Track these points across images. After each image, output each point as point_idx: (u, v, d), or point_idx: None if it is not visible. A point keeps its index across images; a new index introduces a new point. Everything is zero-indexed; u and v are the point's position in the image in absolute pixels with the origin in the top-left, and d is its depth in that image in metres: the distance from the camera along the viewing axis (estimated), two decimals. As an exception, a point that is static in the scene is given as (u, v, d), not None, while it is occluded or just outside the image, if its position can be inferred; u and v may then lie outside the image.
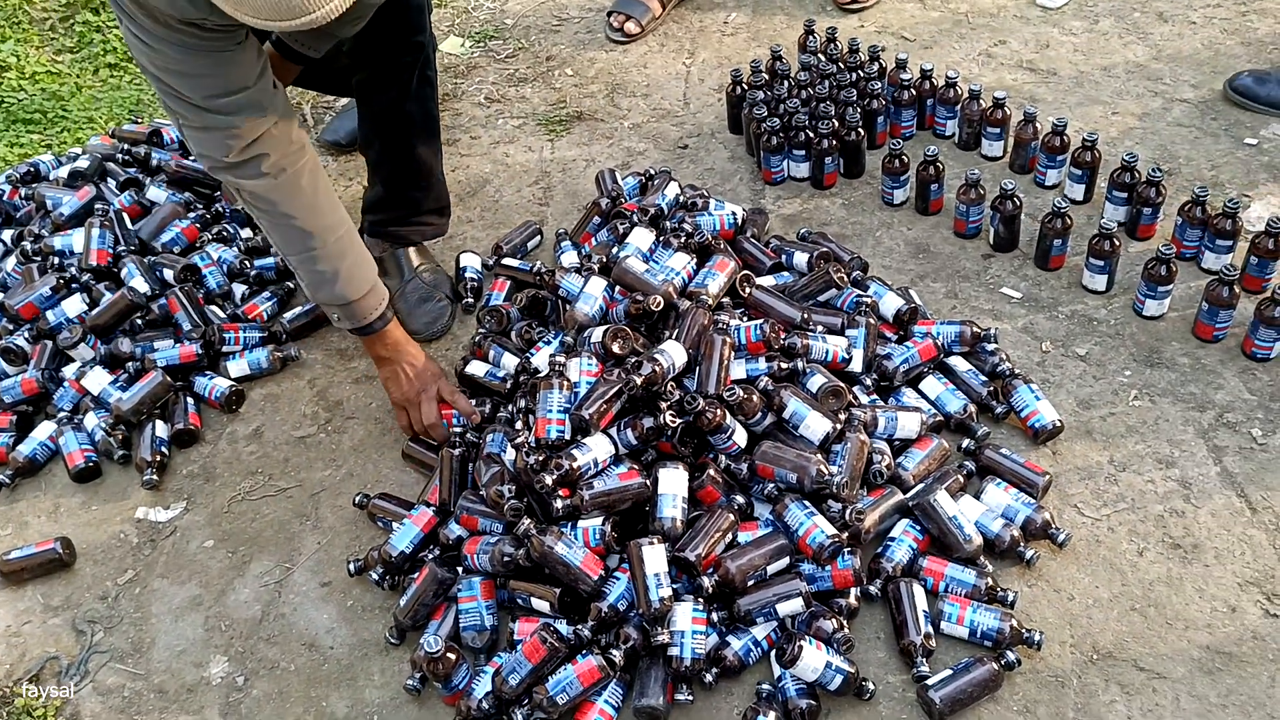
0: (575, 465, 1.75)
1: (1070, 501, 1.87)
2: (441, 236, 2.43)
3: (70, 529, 2.09)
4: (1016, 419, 1.97)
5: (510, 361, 2.12)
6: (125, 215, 2.52)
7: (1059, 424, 1.94)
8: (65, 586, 2.00)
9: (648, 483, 1.76)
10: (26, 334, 2.33)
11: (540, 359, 2.02)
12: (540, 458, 1.76)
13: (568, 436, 1.80)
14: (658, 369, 1.80)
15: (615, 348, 1.88)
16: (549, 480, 1.73)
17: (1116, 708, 1.61)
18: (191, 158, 2.75)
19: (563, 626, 1.68)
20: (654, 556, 1.66)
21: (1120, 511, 1.85)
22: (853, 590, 1.73)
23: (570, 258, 2.33)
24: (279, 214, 1.86)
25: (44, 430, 2.22)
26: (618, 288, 2.05)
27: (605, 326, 1.94)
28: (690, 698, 1.66)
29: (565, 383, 1.84)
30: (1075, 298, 2.21)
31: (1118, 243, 2.14)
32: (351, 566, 1.91)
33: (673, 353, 1.85)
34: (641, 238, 2.18)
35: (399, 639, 1.81)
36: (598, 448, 1.77)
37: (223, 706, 1.80)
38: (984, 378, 2.03)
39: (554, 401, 1.82)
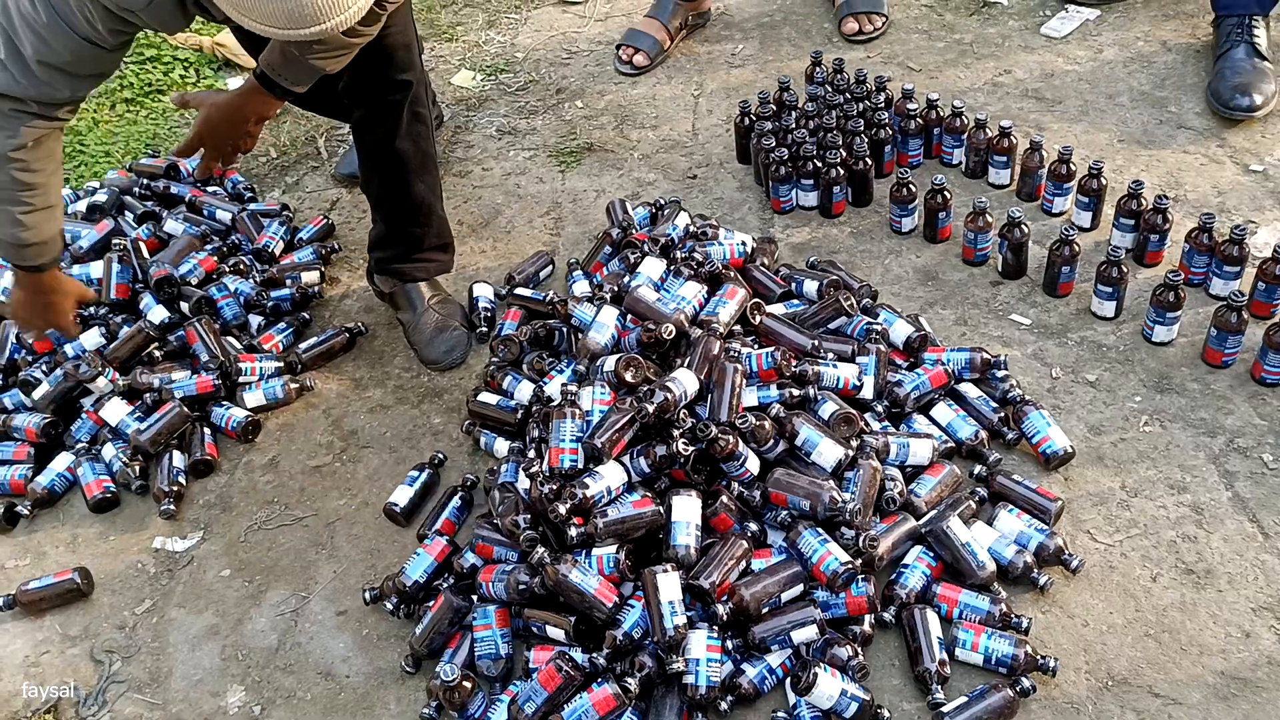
0: (588, 494, 1.76)
1: (1083, 527, 1.88)
2: (446, 273, 2.44)
3: (88, 559, 2.11)
4: (1028, 445, 1.98)
5: (525, 389, 2.13)
6: (143, 248, 2.56)
7: (1070, 450, 1.95)
8: (83, 616, 2.02)
9: (661, 510, 1.77)
10: (43, 366, 2.36)
11: (553, 388, 2.04)
12: (554, 487, 1.78)
13: (580, 465, 1.81)
14: (670, 397, 1.82)
15: (628, 376, 1.90)
16: (563, 510, 1.74)
17: (1132, 734, 1.61)
18: (211, 190, 2.80)
19: (578, 655, 1.69)
20: (668, 584, 1.67)
21: (1133, 537, 1.85)
22: (867, 617, 1.74)
23: (582, 287, 2.35)
24: (6, 154, 1.89)
25: (62, 462, 2.24)
26: (629, 316, 2.07)
27: (618, 355, 1.95)
28: (706, 726, 1.66)
29: (578, 412, 1.86)
30: (1084, 324, 2.22)
31: (1126, 269, 2.16)
32: (367, 595, 1.92)
33: (685, 380, 1.86)
34: (652, 267, 2.21)
35: (415, 668, 1.82)
36: (610, 476, 1.79)
37: (240, 736, 1.81)
38: (995, 404, 2.04)
39: (567, 431, 1.83)
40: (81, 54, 1.78)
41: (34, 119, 1.85)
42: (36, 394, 2.32)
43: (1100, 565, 1.82)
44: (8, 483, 2.22)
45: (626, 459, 1.83)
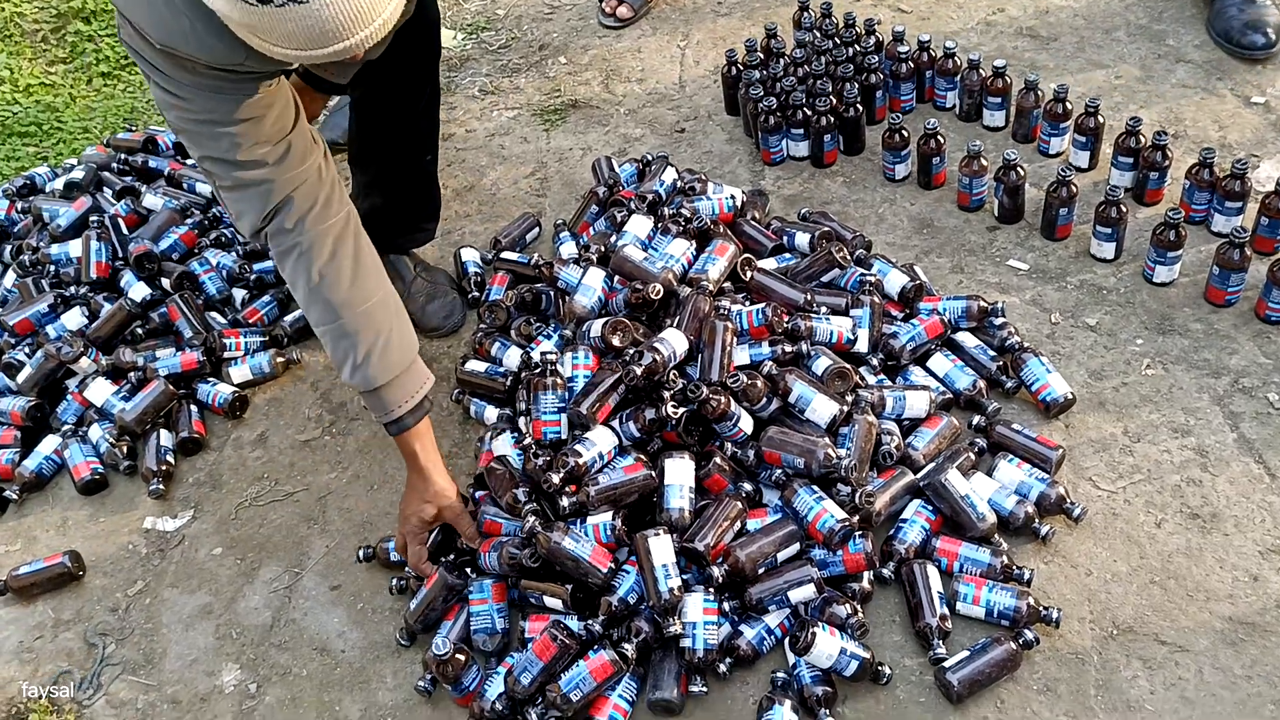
0: (581, 462, 1.73)
1: (1085, 475, 1.84)
2: (430, 242, 2.39)
3: (79, 542, 2.09)
4: (1027, 393, 1.94)
5: (514, 356, 2.09)
6: (122, 224, 2.51)
7: (1071, 397, 1.91)
8: (76, 600, 2.00)
9: (654, 474, 1.74)
10: (26, 349, 2.32)
11: (539, 354, 2.00)
12: (547, 458, 1.75)
13: (564, 436, 1.77)
14: (658, 358, 1.78)
15: (615, 340, 1.85)
16: (556, 479, 1.71)
17: (1139, 683, 1.58)
18: (190, 160, 2.74)
19: (573, 623, 1.66)
20: (661, 547, 1.64)
21: (1136, 483, 1.82)
22: (865, 574, 1.71)
23: (569, 248, 2.30)
24: (310, 278, 1.67)
25: (49, 444, 2.21)
26: (616, 277, 2.02)
27: (604, 319, 1.91)
28: (704, 689, 1.64)
29: (559, 381, 1.82)
30: (1083, 267, 2.17)
31: (1125, 209, 2.10)
32: (361, 554, 1.90)
33: (674, 341, 1.82)
34: (639, 225, 2.16)
35: (409, 641, 1.80)
36: (601, 441, 1.75)
37: (236, 715, 1.79)
38: (993, 353, 2.00)
39: (548, 402, 1.80)
40: (256, 109, 1.57)
41: (308, 217, 1.63)
42: (20, 377, 2.29)
43: (1103, 513, 1.78)
44: (-6, 467, 2.19)
45: (616, 423, 1.79)
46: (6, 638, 1.96)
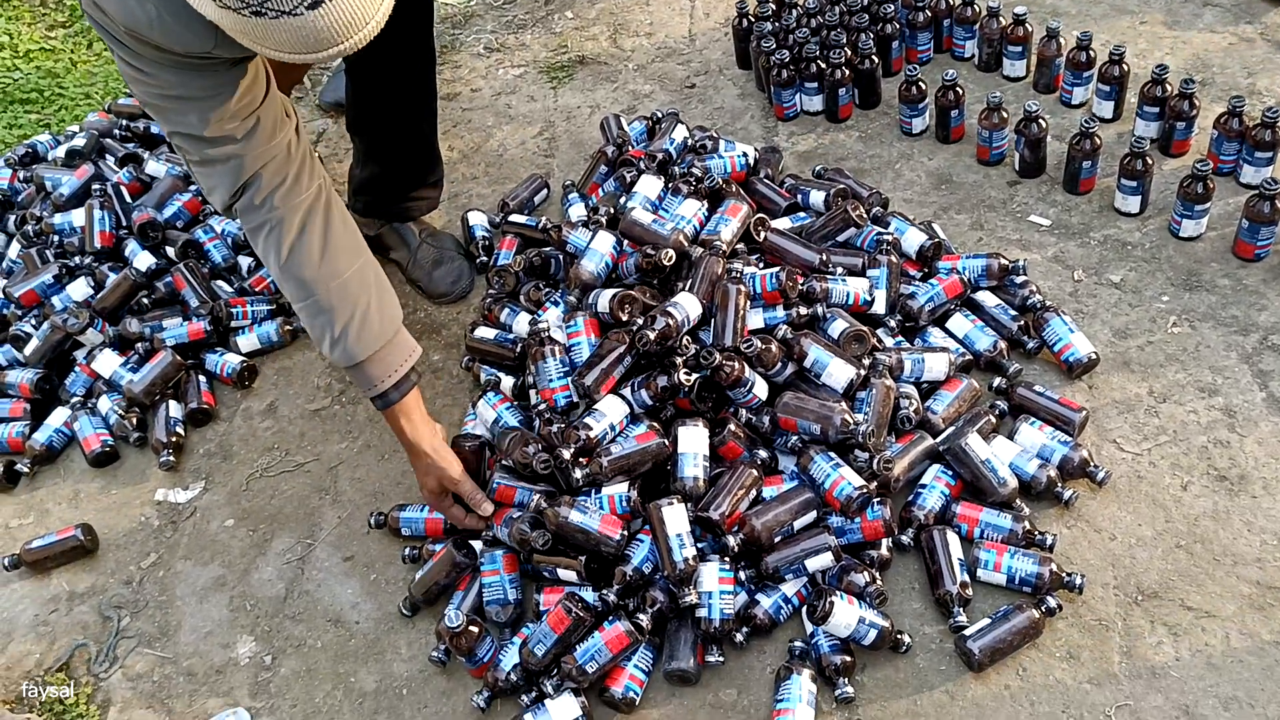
0: (592, 435, 1.70)
1: (1109, 437, 1.80)
2: (434, 209, 2.34)
3: (91, 514, 2.08)
4: (1050, 354, 1.89)
5: (524, 321, 2.06)
6: (125, 191, 2.47)
7: (1094, 356, 1.86)
8: (90, 573, 1.99)
9: (666, 442, 1.71)
10: (32, 320, 2.30)
11: (549, 319, 1.97)
12: (560, 426, 1.72)
13: (576, 398, 1.75)
14: (671, 323, 1.74)
15: (623, 315, 1.82)
16: (567, 455, 1.68)
17: (1164, 649, 1.55)
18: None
19: (588, 594, 1.64)
20: (674, 516, 1.61)
21: (1162, 445, 1.77)
22: (884, 541, 1.68)
23: (578, 210, 2.25)
24: (284, 253, 1.63)
25: (59, 417, 2.20)
26: (626, 241, 1.98)
27: (613, 292, 1.86)
28: (721, 659, 1.62)
29: (557, 348, 1.79)
30: (1107, 222, 2.11)
31: (1151, 161, 2.04)
32: (372, 520, 1.89)
33: (686, 305, 1.78)
34: (649, 185, 2.10)
35: (411, 612, 1.79)
36: (612, 412, 1.72)
37: (252, 687, 1.79)
38: (1014, 312, 1.95)
39: (551, 369, 1.77)
40: (227, 82, 1.52)
41: (279, 192, 1.59)
42: (27, 349, 2.27)
43: (1128, 476, 1.74)
44: (5, 440, 2.18)
45: (628, 390, 1.76)
46: (22, 611, 1.96)
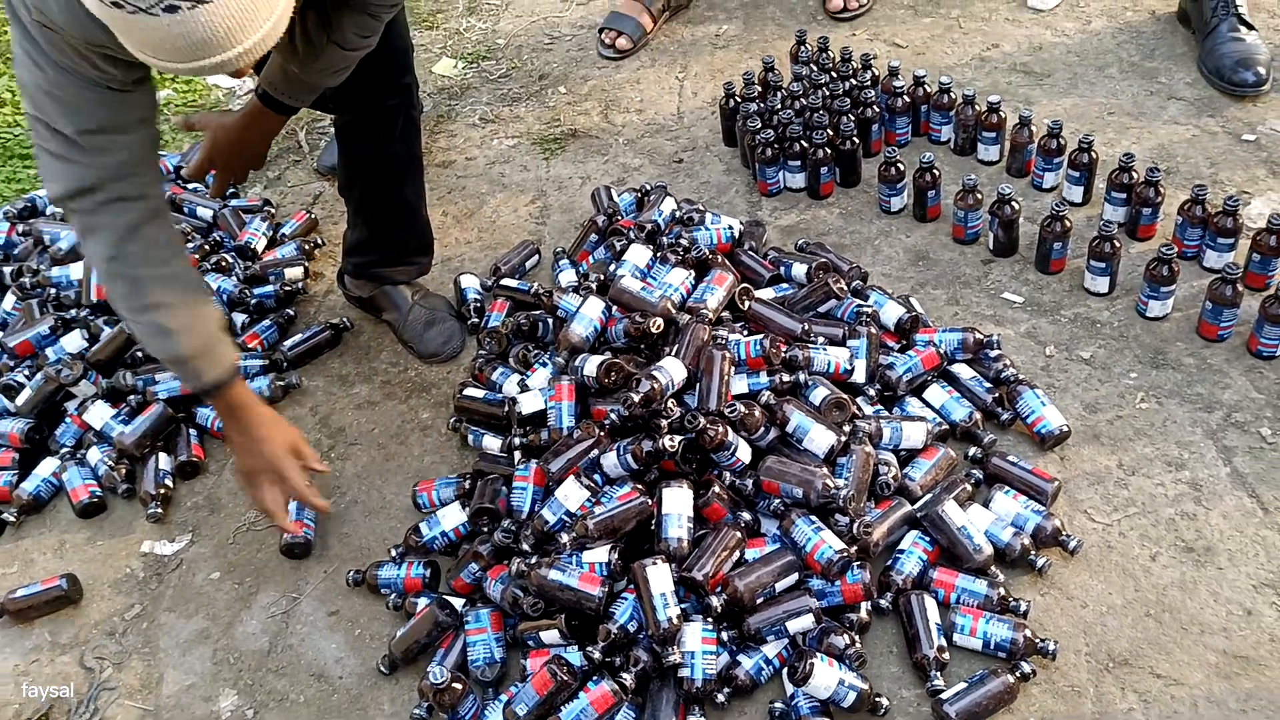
0: (657, 386, 1.79)
1: (1080, 507, 1.86)
2: (425, 274, 2.41)
3: (76, 565, 2.08)
4: (1023, 425, 1.96)
5: (514, 383, 2.11)
6: (123, 248, 2.51)
7: (1066, 429, 1.93)
8: (73, 624, 1.99)
9: (649, 501, 1.75)
10: (26, 371, 2.33)
11: (537, 380, 2.02)
12: (638, 399, 1.79)
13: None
14: (655, 387, 1.79)
15: (608, 381, 1.89)
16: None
17: (1135, 716, 1.59)
18: (192, 187, 2.76)
19: (573, 656, 1.66)
20: (659, 576, 1.64)
21: (1131, 516, 1.83)
22: (863, 604, 1.72)
23: (568, 276, 2.32)
24: (112, 259, 1.67)
25: (47, 467, 2.21)
26: (615, 307, 2.04)
27: (600, 359, 1.93)
28: (703, 719, 1.64)
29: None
30: (1078, 300, 2.20)
31: (1118, 244, 2.13)
32: (350, 578, 1.91)
33: (671, 369, 1.84)
34: (638, 254, 2.18)
35: (389, 670, 1.80)
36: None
37: (233, 741, 1.79)
38: (988, 384, 2.02)
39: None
40: (110, 103, 1.56)
41: (113, 205, 1.63)
42: (19, 399, 2.29)
43: (1099, 545, 1.80)
44: (-8, 490, 2.19)
45: (614, 454, 1.80)
46: (3, 661, 1.95)
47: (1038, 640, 1.65)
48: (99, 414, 2.24)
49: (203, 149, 2.00)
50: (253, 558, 2.05)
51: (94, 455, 2.20)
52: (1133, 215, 2.27)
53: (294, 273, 2.52)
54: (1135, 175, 2.24)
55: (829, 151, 2.47)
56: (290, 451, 1.86)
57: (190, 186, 2.77)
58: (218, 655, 1.90)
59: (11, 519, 2.15)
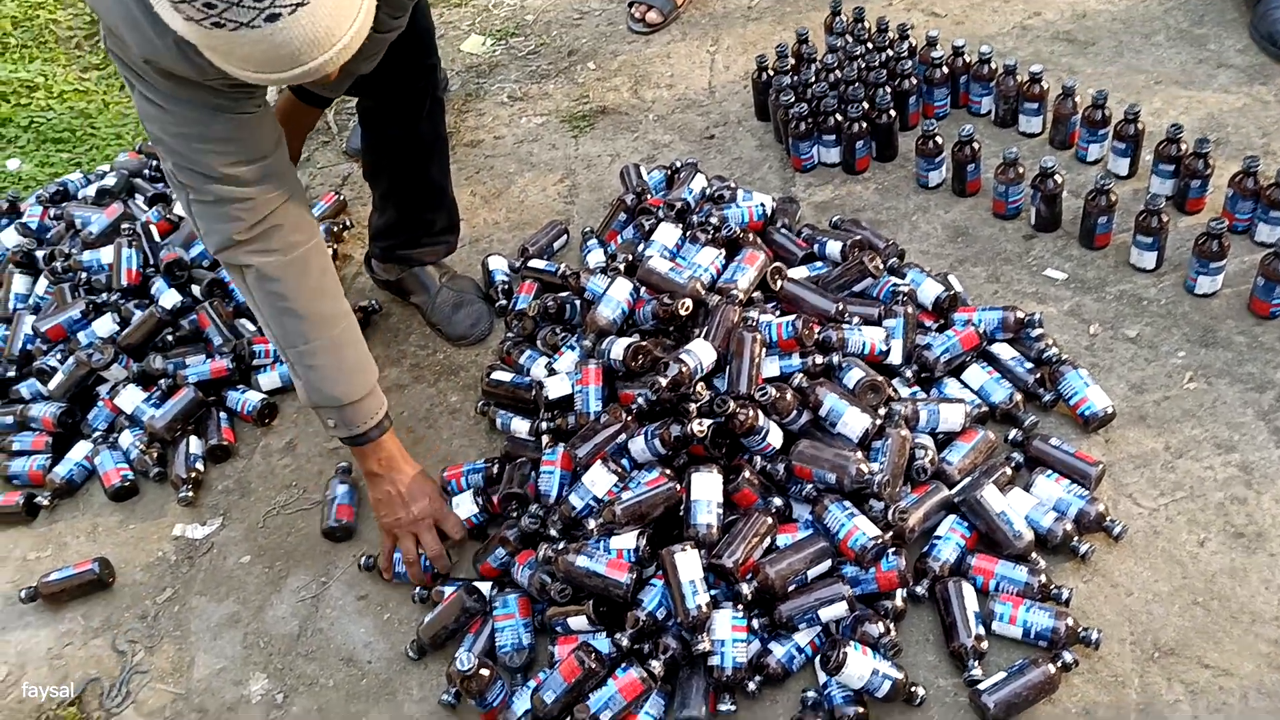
0: (685, 370, 1.75)
1: (1125, 492, 1.79)
2: (453, 253, 2.38)
3: (109, 548, 2.09)
4: (1065, 407, 1.90)
5: (542, 365, 2.08)
6: (154, 230, 2.52)
7: (1111, 410, 1.86)
8: (105, 607, 2.00)
9: (678, 486, 1.71)
10: (58, 355, 2.34)
11: (565, 363, 1.99)
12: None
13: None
14: (684, 370, 1.76)
15: (635, 365, 1.86)
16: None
17: (1181, 708, 1.54)
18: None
19: (601, 643, 1.64)
20: (687, 563, 1.61)
21: (1179, 500, 1.77)
22: (899, 592, 1.68)
23: (596, 257, 2.28)
24: (283, 297, 1.67)
25: (80, 450, 2.22)
26: (644, 288, 2.00)
27: (627, 341, 1.89)
28: (733, 707, 1.61)
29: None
30: (1123, 277, 2.12)
31: (1166, 218, 2.05)
32: (362, 561, 1.91)
33: (700, 352, 1.80)
34: (667, 234, 2.13)
35: (417, 655, 1.79)
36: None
37: (263, 725, 1.79)
38: (1030, 365, 1.95)
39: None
40: (246, 128, 1.56)
41: (284, 230, 1.62)
42: (52, 383, 2.30)
43: (1144, 531, 1.74)
44: (27, 473, 2.21)
45: (641, 439, 1.77)
46: (37, 644, 1.96)
47: (1080, 629, 1.60)
48: (130, 398, 2.24)
49: None
50: (283, 541, 2.04)
51: (126, 439, 2.21)
52: (1181, 188, 2.18)
53: (322, 255, 2.51)
54: (1184, 146, 2.16)
55: (865, 125, 2.41)
56: (432, 517, 1.86)
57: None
58: (248, 639, 1.91)
59: (45, 502, 2.17)
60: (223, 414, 2.24)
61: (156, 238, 2.51)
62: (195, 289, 2.40)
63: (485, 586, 1.81)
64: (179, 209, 2.60)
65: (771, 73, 2.58)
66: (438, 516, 1.86)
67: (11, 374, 2.38)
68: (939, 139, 2.33)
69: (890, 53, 2.51)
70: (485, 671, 1.63)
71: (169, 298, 2.36)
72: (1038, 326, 1.99)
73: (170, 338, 2.33)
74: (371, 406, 1.78)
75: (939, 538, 1.73)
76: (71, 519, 2.17)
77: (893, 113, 2.43)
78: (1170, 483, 1.79)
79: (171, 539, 2.09)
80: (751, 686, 1.62)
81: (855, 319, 1.96)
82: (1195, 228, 2.10)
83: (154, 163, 2.80)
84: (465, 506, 1.91)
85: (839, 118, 2.43)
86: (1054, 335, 2.02)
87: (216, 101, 1.51)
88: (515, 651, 1.71)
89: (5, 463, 2.24)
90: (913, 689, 1.58)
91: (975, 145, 2.29)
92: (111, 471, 2.16)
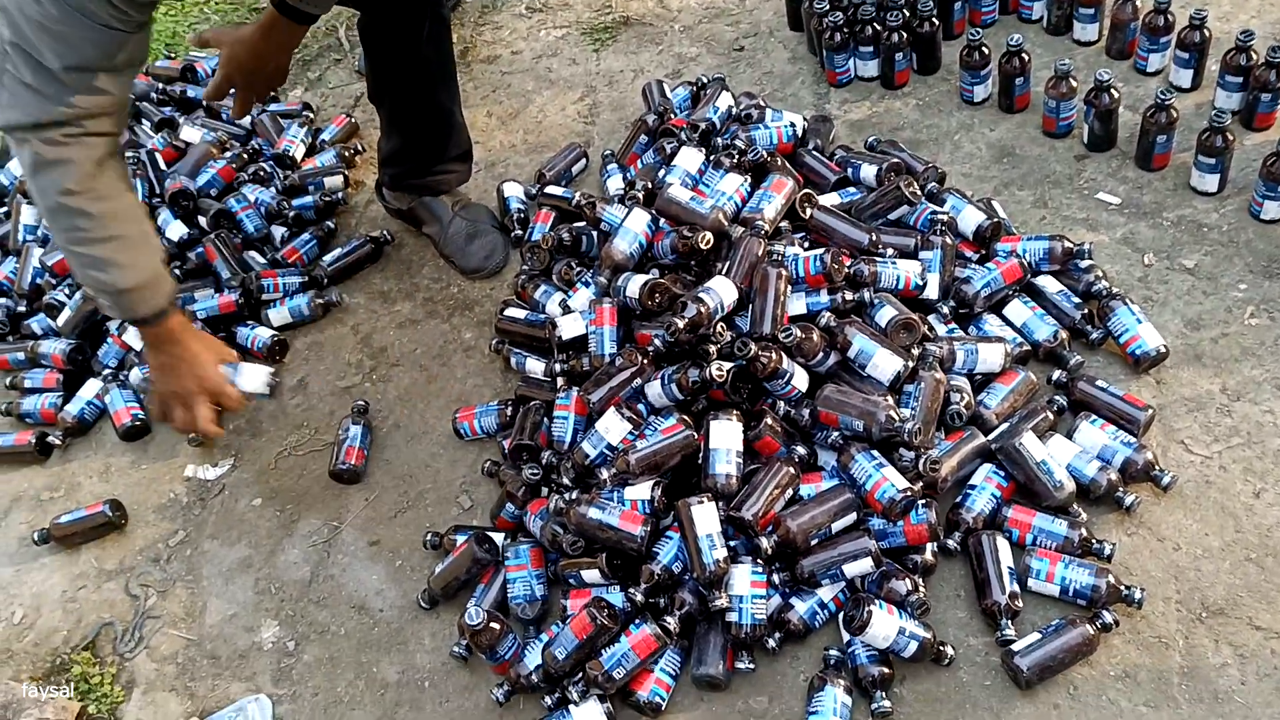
0: (704, 310, 1.66)
1: (1176, 438, 1.68)
2: (465, 182, 2.27)
3: (121, 489, 2.06)
4: (1115, 345, 1.77)
5: (556, 300, 1.99)
6: (160, 158, 2.43)
7: (1164, 349, 1.73)
8: (118, 549, 1.98)
9: (695, 434, 1.62)
10: (65, 289, 2.29)
11: (579, 300, 1.89)
12: (683, 324, 1.66)
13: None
14: (703, 310, 1.65)
15: (653, 303, 1.75)
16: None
17: (1229, 672, 1.45)
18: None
19: (614, 597, 1.58)
20: (704, 516, 1.53)
21: (1234, 447, 1.65)
22: (928, 546, 1.59)
23: (616, 183, 2.16)
24: (73, 189, 1.61)
25: (90, 389, 2.18)
26: (663, 219, 1.88)
27: (643, 279, 1.77)
28: (752, 665, 1.55)
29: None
30: (1182, 201, 1.97)
31: (1231, 136, 1.89)
32: (428, 540, 1.82)
33: (720, 290, 1.69)
34: (690, 158, 2.00)
35: (429, 605, 1.75)
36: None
37: (275, 673, 1.76)
38: (1077, 299, 1.83)
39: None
40: (108, 43, 1.52)
41: (83, 140, 1.58)
42: (60, 318, 2.25)
43: (1196, 481, 1.63)
44: (39, 411, 2.18)
45: (658, 383, 1.67)
46: (51, 587, 1.95)
47: (1122, 587, 1.50)
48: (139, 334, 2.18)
49: (220, 67, 1.87)
50: (294, 484, 2.00)
51: (135, 376, 2.16)
52: (1249, 102, 2.01)
53: (334, 182, 2.42)
54: (1254, 56, 1.98)
55: (905, 35, 2.25)
56: (209, 390, 1.85)
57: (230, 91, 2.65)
58: (259, 584, 1.87)
59: (58, 442, 2.14)
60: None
61: (162, 166, 2.42)
62: (202, 220, 2.32)
63: (498, 537, 1.75)
64: (185, 133, 2.51)
65: (805, -22, 2.40)
66: (214, 390, 1.84)
67: (22, 308, 2.34)
68: (985, 49, 2.17)
69: (934, -46, 2.32)
70: (495, 625, 1.58)
71: (175, 229, 2.29)
72: (1087, 257, 1.86)
73: (178, 272, 2.26)
74: (147, 296, 1.73)
75: (973, 487, 1.63)
76: (85, 459, 2.14)
77: (935, 21, 2.26)
78: (1226, 428, 1.67)
79: (183, 480, 2.06)
80: (771, 643, 1.55)
81: (889, 251, 1.84)
82: (1264, 146, 1.94)
83: (161, 85, 2.70)
84: (254, 379, 1.90)
85: (877, 27, 2.26)
86: (1104, 266, 1.89)
87: (105, 14, 1.48)
88: (528, 603, 1.66)
89: (18, 400, 2.21)
90: (941, 648, 1.51)
91: (1024, 56, 2.13)
92: (122, 410, 2.12)
